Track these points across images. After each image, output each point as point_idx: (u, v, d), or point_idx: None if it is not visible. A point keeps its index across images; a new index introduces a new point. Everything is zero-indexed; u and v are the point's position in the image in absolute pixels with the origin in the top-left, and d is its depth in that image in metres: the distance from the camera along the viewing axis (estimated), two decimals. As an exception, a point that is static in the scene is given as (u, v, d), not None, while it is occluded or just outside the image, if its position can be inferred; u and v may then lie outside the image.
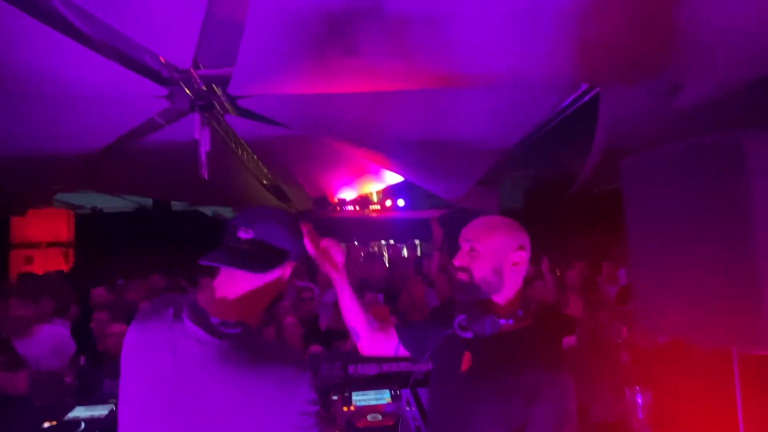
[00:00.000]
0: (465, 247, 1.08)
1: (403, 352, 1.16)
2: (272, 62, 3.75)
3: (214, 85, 4.57)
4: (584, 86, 4.65)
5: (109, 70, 3.77)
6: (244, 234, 0.87)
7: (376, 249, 8.37)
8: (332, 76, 3.86)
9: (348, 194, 8.37)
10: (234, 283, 0.87)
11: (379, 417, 1.42)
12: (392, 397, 1.60)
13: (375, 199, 8.97)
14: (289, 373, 0.84)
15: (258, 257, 0.86)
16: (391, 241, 9.16)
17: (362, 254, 7.00)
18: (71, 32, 3.46)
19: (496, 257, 1.04)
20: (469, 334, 0.98)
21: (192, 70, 4.13)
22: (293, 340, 2.56)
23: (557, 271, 3.85)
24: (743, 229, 1.15)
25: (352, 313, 1.15)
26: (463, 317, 0.99)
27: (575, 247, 6.04)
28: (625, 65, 3.77)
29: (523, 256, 1.05)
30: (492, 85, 4.14)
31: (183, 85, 4.30)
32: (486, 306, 1.02)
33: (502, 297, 1.05)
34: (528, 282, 3.66)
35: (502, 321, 0.98)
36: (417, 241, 8.11)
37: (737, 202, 1.17)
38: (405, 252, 8.35)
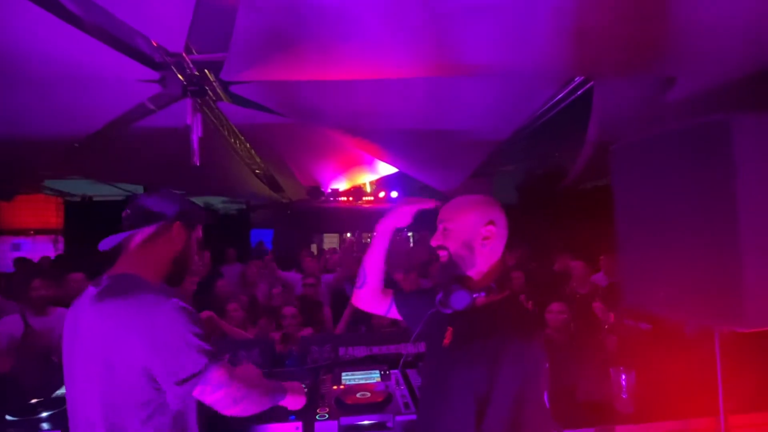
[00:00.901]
0: (440, 227, 1.14)
1: (394, 313, 1.27)
2: (265, 47, 3.71)
3: (206, 71, 4.51)
4: (578, 79, 4.66)
5: (99, 53, 3.70)
6: (124, 214, 1.12)
7: (368, 240, 8.36)
8: (326, 63, 3.84)
9: (341, 185, 8.34)
10: (125, 249, 1.11)
11: (368, 394, 1.43)
12: (381, 376, 1.62)
13: (368, 190, 8.95)
14: (148, 299, 0.98)
15: (129, 224, 1.10)
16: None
17: (355, 246, 6.99)
18: (62, 13, 3.39)
19: (467, 233, 1.09)
20: (449, 310, 1.03)
21: (184, 54, 4.07)
22: (291, 329, 2.57)
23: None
24: (727, 211, 1.17)
25: (376, 264, 1.29)
26: (441, 294, 1.04)
27: (567, 241, 6.09)
28: (620, 57, 3.79)
29: (492, 231, 1.08)
30: (487, 76, 4.14)
31: (175, 70, 4.24)
32: (461, 281, 1.06)
33: (476, 271, 1.08)
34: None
35: (475, 295, 1.02)
36: (410, 233, 8.14)
37: (722, 185, 1.19)
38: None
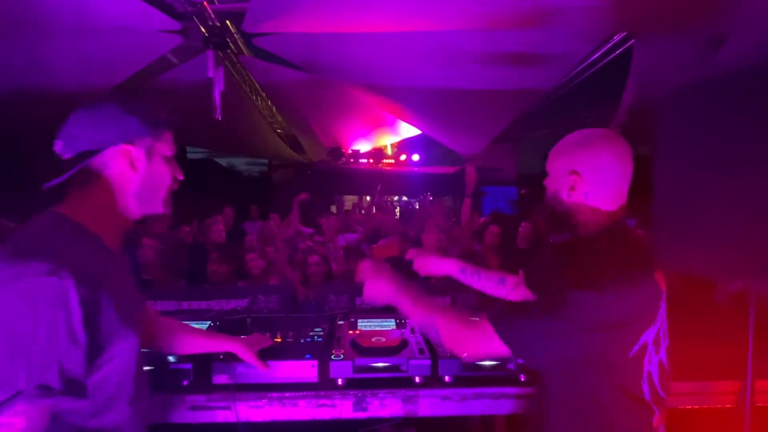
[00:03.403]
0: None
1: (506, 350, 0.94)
2: (288, -3, 3.59)
3: (228, 22, 4.42)
4: (617, 37, 4.36)
5: (121, 1, 3.65)
6: (56, 147, 0.85)
7: (388, 203, 8.36)
8: (350, 14, 3.68)
9: (362, 146, 8.26)
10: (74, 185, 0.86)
11: (383, 339, 1.44)
12: (397, 325, 1.63)
13: (389, 152, 8.86)
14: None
15: (69, 163, 0.84)
16: (404, 198, 9.13)
17: (374, 208, 7.00)
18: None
19: (555, 181, 1.04)
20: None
21: (206, 4, 3.99)
22: (317, 278, 2.61)
23: None
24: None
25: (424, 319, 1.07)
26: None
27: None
28: (666, 12, 3.50)
29: (575, 181, 0.98)
30: (519, 31, 3.90)
31: (196, 20, 4.16)
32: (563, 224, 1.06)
33: (574, 219, 1.02)
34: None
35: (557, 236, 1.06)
36: (430, 197, 8.07)
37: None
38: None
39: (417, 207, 7.77)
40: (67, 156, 0.84)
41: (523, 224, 4.15)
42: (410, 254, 1.29)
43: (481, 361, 1.07)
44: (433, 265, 1.28)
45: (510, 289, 1.28)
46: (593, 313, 0.87)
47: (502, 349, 0.91)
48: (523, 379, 1.34)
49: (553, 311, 0.88)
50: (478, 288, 1.36)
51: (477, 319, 0.98)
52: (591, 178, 0.97)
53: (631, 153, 1.00)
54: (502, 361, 1.36)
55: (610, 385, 0.93)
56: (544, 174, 1.09)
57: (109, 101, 0.87)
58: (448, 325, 0.99)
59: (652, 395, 0.95)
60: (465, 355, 0.99)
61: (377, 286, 1.10)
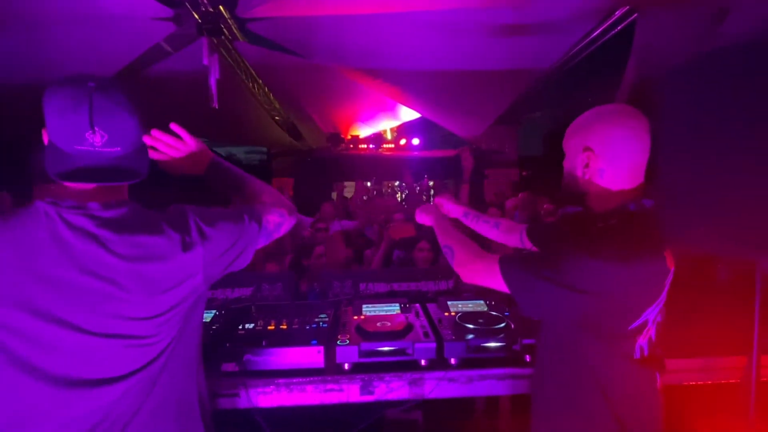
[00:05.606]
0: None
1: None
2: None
3: (221, 7, 4.32)
4: (619, 12, 4.27)
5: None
6: (99, 139, 0.83)
7: (388, 189, 8.32)
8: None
9: (362, 131, 8.18)
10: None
11: (389, 324, 1.44)
12: (402, 309, 1.63)
13: (389, 137, 8.77)
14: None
15: (129, 164, 0.88)
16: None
17: (374, 193, 6.98)
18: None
19: (571, 159, 1.03)
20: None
21: (197, -11, 3.91)
22: (317, 268, 2.61)
23: None
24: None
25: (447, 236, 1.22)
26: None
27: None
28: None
29: (590, 157, 0.97)
30: (520, 8, 3.82)
31: (189, 6, 4.08)
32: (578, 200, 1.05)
33: (590, 196, 1.02)
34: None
35: (571, 209, 1.09)
36: (431, 182, 8.03)
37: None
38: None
39: (417, 191, 7.74)
40: (120, 156, 0.88)
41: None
42: (438, 199, 1.49)
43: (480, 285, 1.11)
44: (451, 207, 1.47)
45: (502, 231, 1.41)
46: (587, 277, 0.88)
47: (500, 284, 0.99)
48: (528, 360, 1.35)
49: (548, 266, 0.91)
50: (475, 229, 1.49)
51: (489, 254, 1.08)
52: (604, 153, 0.96)
53: (647, 127, 0.98)
54: (507, 342, 1.36)
55: (607, 354, 0.95)
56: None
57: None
58: (462, 251, 1.11)
59: (646, 361, 0.97)
60: (467, 279, 1.08)
61: (425, 214, 1.38)
